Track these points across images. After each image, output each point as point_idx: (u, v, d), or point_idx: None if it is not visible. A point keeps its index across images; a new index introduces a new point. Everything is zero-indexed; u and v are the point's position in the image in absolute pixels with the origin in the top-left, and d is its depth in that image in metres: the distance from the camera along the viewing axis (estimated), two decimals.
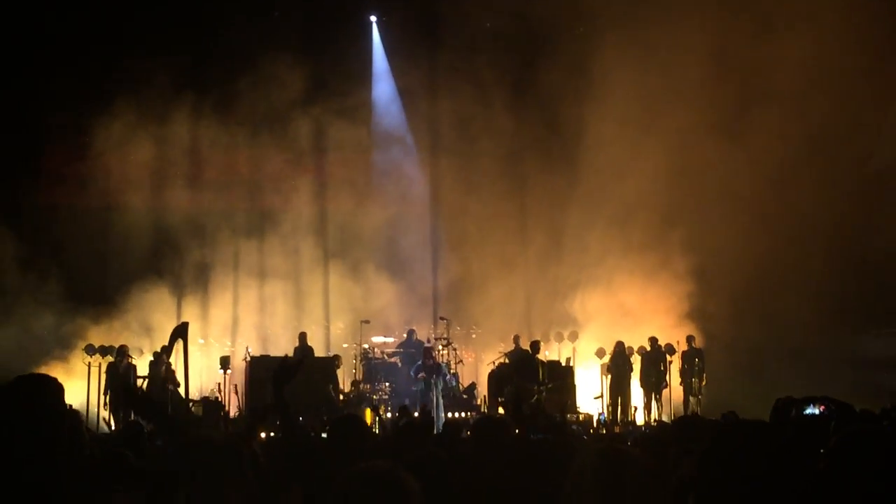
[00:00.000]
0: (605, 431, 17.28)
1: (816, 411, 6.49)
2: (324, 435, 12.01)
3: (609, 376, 19.17)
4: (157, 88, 20.12)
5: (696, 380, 19.14)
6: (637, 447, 5.88)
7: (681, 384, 19.37)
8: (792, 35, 18.42)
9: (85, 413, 16.70)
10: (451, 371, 19.20)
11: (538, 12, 20.34)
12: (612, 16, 19.29)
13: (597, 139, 20.30)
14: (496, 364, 18.92)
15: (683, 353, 19.39)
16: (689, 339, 19.52)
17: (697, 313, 20.15)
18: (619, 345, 19.25)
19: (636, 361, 19.37)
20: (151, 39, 19.83)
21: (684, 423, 6.47)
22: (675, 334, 19.74)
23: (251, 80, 20.51)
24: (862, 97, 18.66)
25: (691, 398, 19.16)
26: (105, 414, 17.41)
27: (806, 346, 19.14)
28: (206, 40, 20.16)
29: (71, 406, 5.28)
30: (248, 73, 20.44)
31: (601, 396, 19.05)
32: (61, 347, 19.16)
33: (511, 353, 19.04)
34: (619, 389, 19.02)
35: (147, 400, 14.92)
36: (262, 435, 15.78)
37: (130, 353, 18.11)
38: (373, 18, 23.20)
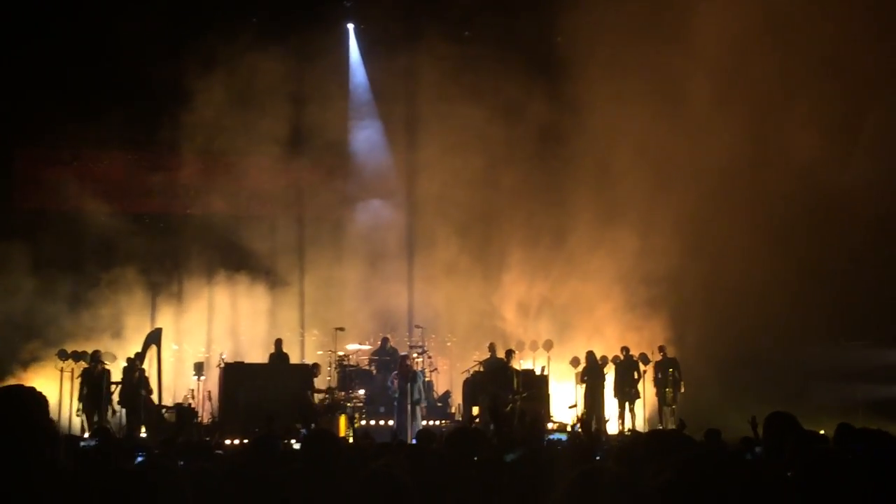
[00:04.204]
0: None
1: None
2: (296, 445, 12.01)
3: (583, 386, 19.18)
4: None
5: (670, 390, 19.13)
6: (611, 459, 5.90)
7: (655, 394, 19.41)
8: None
9: (57, 417, 16.87)
10: (426, 379, 19.20)
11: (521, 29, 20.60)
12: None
13: (575, 143, 20.50)
14: (471, 372, 18.94)
15: (657, 362, 19.42)
16: (662, 348, 19.57)
17: (672, 322, 20.28)
18: (591, 355, 19.18)
19: (609, 371, 19.35)
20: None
21: (657, 439, 6.45)
22: (648, 343, 19.84)
23: (228, 82, 20.43)
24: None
25: (665, 408, 19.19)
26: (78, 418, 17.36)
27: (778, 356, 19.33)
28: (185, 47, 19.97)
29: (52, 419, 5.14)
30: (226, 75, 20.36)
31: (575, 406, 19.07)
32: (34, 352, 19.00)
33: (486, 361, 19.03)
34: (592, 400, 18.92)
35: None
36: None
37: (104, 358, 17.95)
38: (350, 26, 23.25)
